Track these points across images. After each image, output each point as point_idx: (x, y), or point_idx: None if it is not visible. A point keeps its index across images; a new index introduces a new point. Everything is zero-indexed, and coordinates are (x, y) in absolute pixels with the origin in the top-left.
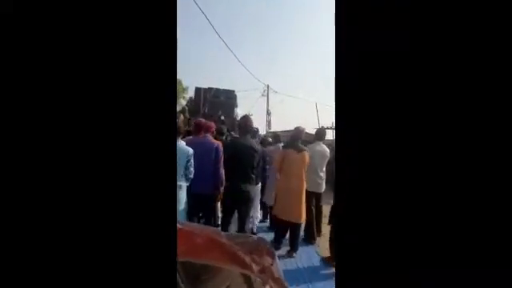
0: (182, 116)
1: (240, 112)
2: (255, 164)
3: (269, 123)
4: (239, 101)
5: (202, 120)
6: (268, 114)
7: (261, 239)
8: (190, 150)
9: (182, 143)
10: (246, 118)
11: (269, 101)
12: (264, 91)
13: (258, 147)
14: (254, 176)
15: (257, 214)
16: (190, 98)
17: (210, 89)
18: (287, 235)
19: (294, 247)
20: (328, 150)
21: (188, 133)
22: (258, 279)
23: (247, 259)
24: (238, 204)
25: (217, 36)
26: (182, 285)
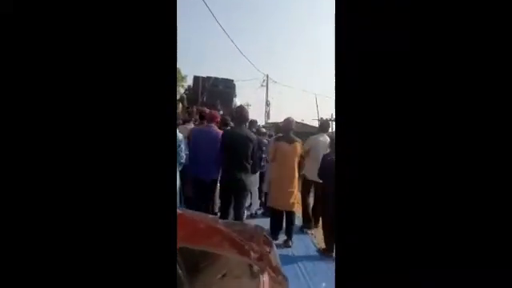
0: (180, 104)
1: (239, 102)
2: (250, 154)
3: (268, 114)
4: (238, 90)
5: (207, 109)
6: (267, 104)
7: (258, 227)
8: (180, 135)
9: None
10: (241, 108)
11: (268, 91)
12: (263, 81)
13: (254, 137)
14: (248, 165)
15: (256, 201)
16: (189, 86)
17: (208, 78)
18: (283, 226)
19: (289, 235)
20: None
21: (184, 122)
22: (256, 266)
23: (246, 246)
24: (234, 192)
25: (216, 24)
26: (180, 271)
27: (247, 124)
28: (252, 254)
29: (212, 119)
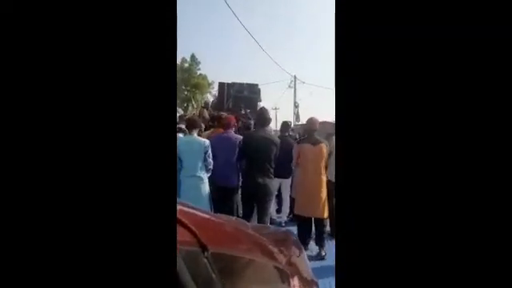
0: (205, 111)
1: (264, 106)
2: (273, 157)
3: (297, 116)
4: (264, 94)
5: (223, 114)
6: (295, 106)
7: (288, 232)
8: (206, 141)
9: (195, 136)
10: (263, 110)
11: (296, 92)
12: (291, 82)
13: (277, 140)
14: (271, 169)
15: (286, 208)
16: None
17: (233, 83)
18: (312, 233)
19: (321, 244)
20: None
21: (210, 127)
22: (287, 271)
23: (275, 251)
24: (256, 199)
25: (240, 27)
26: (213, 275)
27: (269, 126)
28: (282, 258)
29: (228, 125)
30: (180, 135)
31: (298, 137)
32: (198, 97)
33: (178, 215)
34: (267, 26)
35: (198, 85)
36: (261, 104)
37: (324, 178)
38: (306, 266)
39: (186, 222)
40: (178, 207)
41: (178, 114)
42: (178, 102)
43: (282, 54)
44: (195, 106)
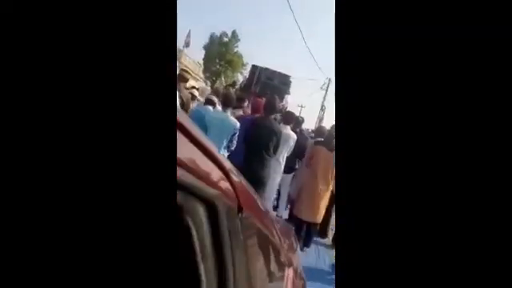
0: (231, 89)
1: (290, 101)
2: (272, 148)
3: (320, 119)
4: (293, 88)
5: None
6: (322, 108)
7: (289, 224)
8: (237, 124)
9: (228, 115)
10: (274, 98)
11: (326, 96)
12: (324, 84)
13: (280, 130)
14: (269, 159)
15: (282, 204)
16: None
17: (266, 69)
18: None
19: (307, 243)
20: None
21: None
22: (285, 260)
23: (281, 238)
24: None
25: (288, 14)
26: (241, 237)
27: (279, 117)
28: (284, 247)
29: (257, 109)
30: (209, 107)
31: (312, 135)
32: (229, 73)
33: (229, 172)
34: (316, 18)
35: (232, 62)
36: (288, 97)
37: (331, 188)
38: (299, 262)
39: (234, 181)
40: (231, 166)
41: (206, 86)
42: (207, 74)
43: (323, 53)
44: (224, 82)
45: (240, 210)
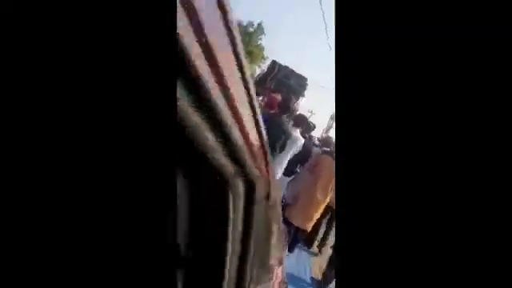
0: None
1: (303, 104)
2: (278, 147)
3: (328, 128)
4: (309, 92)
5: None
6: (332, 118)
7: (284, 227)
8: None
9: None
10: (290, 98)
11: None
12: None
13: (290, 132)
14: (271, 158)
15: None
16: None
17: (285, 67)
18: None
19: (290, 248)
20: None
21: None
22: (275, 259)
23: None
24: None
25: (318, 17)
26: (264, 222)
27: (292, 119)
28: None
29: (272, 106)
30: None
31: (317, 144)
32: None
33: (269, 159)
34: None
35: (252, 53)
36: (303, 100)
37: (327, 201)
38: (283, 264)
39: (270, 168)
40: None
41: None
42: None
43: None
44: None
45: (268, 197)
